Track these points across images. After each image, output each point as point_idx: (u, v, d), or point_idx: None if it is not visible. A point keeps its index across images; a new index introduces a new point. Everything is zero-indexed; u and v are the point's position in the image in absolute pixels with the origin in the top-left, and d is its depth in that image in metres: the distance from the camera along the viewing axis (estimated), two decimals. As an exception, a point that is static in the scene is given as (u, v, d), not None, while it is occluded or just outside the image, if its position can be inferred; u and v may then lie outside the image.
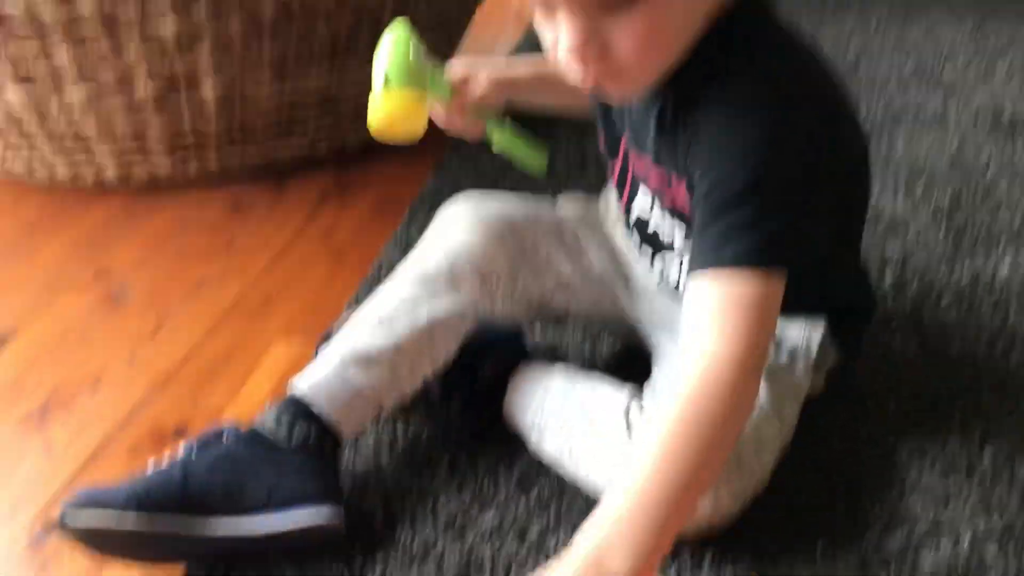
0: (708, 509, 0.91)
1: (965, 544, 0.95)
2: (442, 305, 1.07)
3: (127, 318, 1.41)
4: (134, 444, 1.15)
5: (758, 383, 0.85)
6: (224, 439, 0.97)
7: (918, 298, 1.34)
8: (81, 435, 1.17)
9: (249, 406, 1.20)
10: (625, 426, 0.97)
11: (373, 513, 1.01)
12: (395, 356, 1.03)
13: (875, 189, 1.62)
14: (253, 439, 0.97)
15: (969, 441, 1.08)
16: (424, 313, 1.06)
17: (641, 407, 0.98)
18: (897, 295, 1.34)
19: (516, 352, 1.14)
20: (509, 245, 1.13)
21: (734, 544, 0.95)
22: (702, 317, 0.85)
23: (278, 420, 0.99)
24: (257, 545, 0.94)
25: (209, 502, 0.92)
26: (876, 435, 1.10)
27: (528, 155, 1.15)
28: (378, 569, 0.94)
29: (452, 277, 1.09)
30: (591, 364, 1.22)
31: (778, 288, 0.85)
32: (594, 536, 0.77)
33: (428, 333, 1.05)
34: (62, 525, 0.89)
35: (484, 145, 1.19)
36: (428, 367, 1.06)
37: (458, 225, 1.13)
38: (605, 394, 1.02)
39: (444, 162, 1.75)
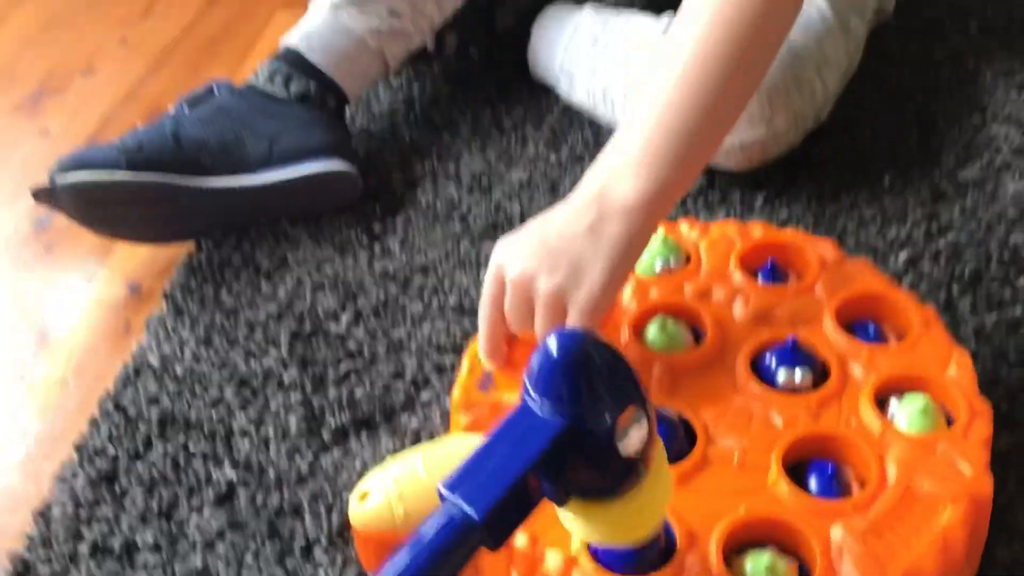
0: (761, 132, 0.80)
1: (1055, 169, 0.84)
2: None
3: (116, 0, 1.29)
4: (133, 124, 1.06)
5: None
6: (215, 93, 0.88)
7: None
8: (77, 118, 1.09)
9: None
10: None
11: (391, 174, 0.92)
12: None
13: None
14: (248, 92, 0.87)
15: (1063, 61, 0.94)
16: None
17: None
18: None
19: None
20: None
21: (791, 182, 0.86)
22: None
23: (271, 76, 0.88)
24: (263, 197, 0.85)
25: (204, 160, 0.84)
26: (955, 58, 0.96)
27: None
28: (400, 229, 0.87)
29: None
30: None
31: None
32: (602, 165, 0.63)
33: None
34: (51, 188, 0.82)
35: None
36: (433, 8, 0.93)
37: None
38: (641, 25, 0.88)
39: None
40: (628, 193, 0.60)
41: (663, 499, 0.49)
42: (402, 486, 0.58)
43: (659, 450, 0.47)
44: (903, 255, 0.78)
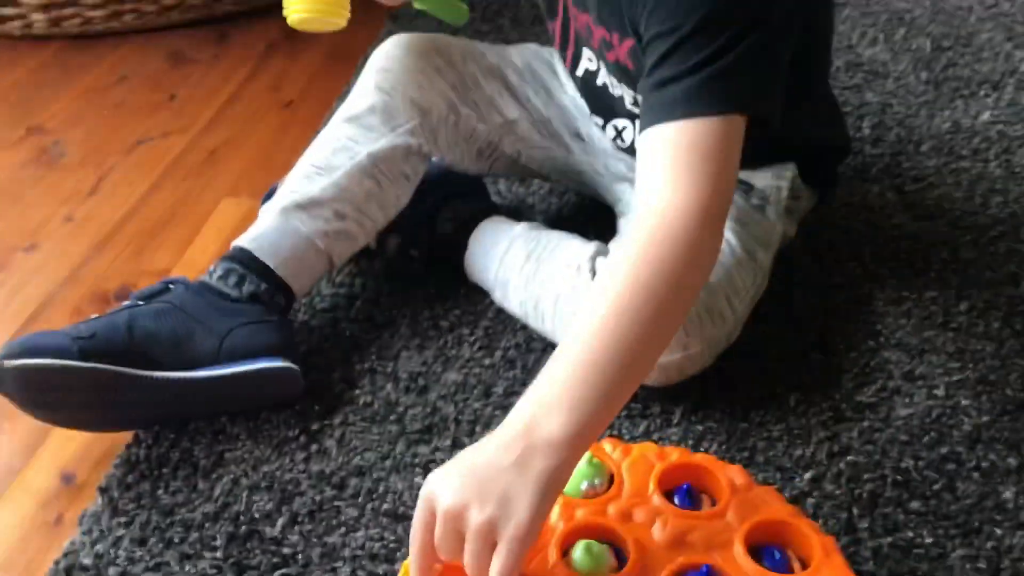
0: (678, 356, 0.87)
1: (940, 394, 0.93)
2: (381, 143, 1.00)
3: (63, 176, 1.33)
4: (75, 306, 1.09)
5: (721, 233, 0.79)
6: (171, 289, 0.92)
7: (897, 145, 1.28)
8: (18, 297, 1.11)
9: (196, 266, 1.13)
10: (591, 275, 0.92)
11: (331, 371, 0.97)
12: (338, 197, 0.97)
13: (854, 36, 1.55)
14: (203, 289, 0.92)
15: (946, 292, 1.05)
16: (363, 152, 0.99)
17: (607, 257, 0.93)
18: (876, 143, 1.29)
19: (477, 205, 1.08)
20: (447, 77, 1.05)
21: (705, 398, 0.93)
22: (657, 168, 0.78)
23: (226, 275, 0.93)
24: (208, 390, 0.88)
25: (155, 355, 0.87)
26: (851, 285, 1.06)
27: (446, 9, 1.06)
28: (337, 429, 0.90)
29: (387, 113, 1.01)
30: (557, 221, 1.16)
31: (737, 131, 0.78)
32: (531, 399, 0.67)
33: (370, 172, 0.98)
34: None
35: None
36: (377, 211, 1.00)
37: (390, 61, 1.04)
38: (571, 247, 0.96)
39: (399, 11, 1.64)
40: (553, 429, 0.65)
41: None
42: None
43: None
44: (807, 475, 0.85)
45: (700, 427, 0.90)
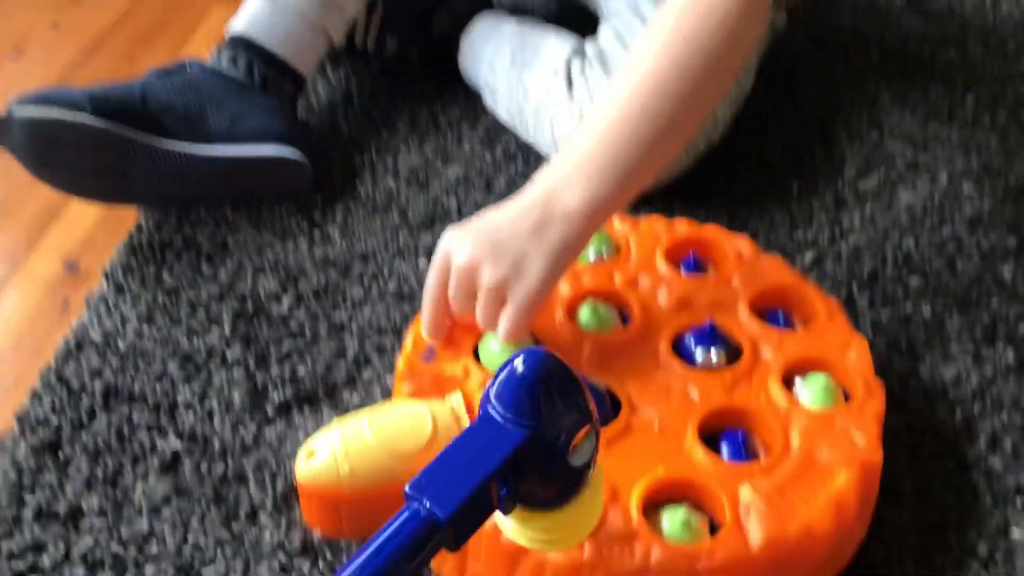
0: None
1: (943, 181, 0.92)
2: None
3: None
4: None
5: (766, 14, 0.75)
6: (187, 69, 0.90)
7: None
8: (4, 103, 1.08)
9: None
10: (566, 84, 0.89)
11: (331, 166, 0.96)
12: None
13: None
14: (217, 73, 0.90)
15: (951, 88, 1.04)
16: None
17: (584, 62, 0.90)
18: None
19: (474, 2, 1.05)
20: None
21: (707, 187, 0.92)
22: None
23: (233, 61, 0.91)
24: (217, 170, 0.87)
25: (167, 124, 0.85)
26: (857, 80, 1.05)
27: None
28: (339, 218, 0.90)
29: None
30: (558, 21, 1.13)
31: None
32: (552, 172, 0.67)
33: None
34: (6, 120, 0.81)
35: None
36: None
37: None
38: (551, 48, 0.93)
39: None
40: (572, 201, 0.65)
41: (597, 510, 0.52)
42: (348, 445, 0.62)
43: (598, 467, 0.50)
44: (809, 255, 0.85)
45: (702, 212, 0.90)
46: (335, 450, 0.62)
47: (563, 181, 0.66)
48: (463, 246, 0.65)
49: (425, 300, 0.67)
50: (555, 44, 0.94)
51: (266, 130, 0.88)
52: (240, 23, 0.92)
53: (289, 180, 0.91)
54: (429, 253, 0.86)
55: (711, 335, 0.69)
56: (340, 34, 0.97)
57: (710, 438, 0.64)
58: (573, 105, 0.88)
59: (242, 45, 0.91)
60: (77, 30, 1.19)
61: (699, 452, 0.62)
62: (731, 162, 0.95)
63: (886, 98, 1.02)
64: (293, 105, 0.94)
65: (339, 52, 1.06)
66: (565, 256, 0.65)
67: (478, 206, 0.91)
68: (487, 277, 0.64)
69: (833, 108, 1.01)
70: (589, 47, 0.91)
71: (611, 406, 0.65)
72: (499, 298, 0.65)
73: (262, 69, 0.90)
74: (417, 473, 0.58)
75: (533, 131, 0.94)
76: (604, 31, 0.94)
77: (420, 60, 1.06)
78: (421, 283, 0.82)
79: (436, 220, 0.90)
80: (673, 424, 0.64)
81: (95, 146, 0.83)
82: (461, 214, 0.91)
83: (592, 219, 0.66)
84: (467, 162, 0.97)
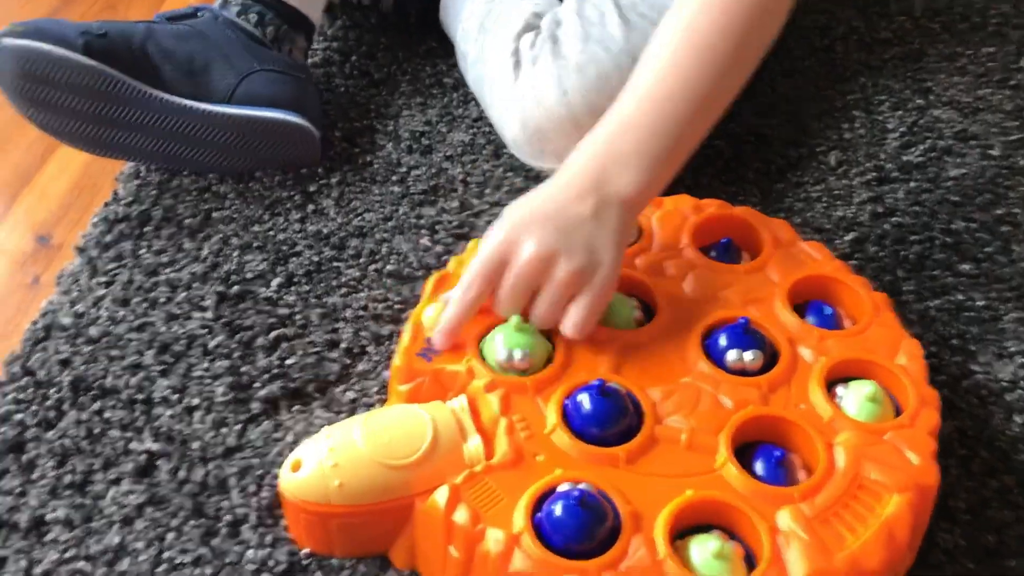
0: None
1: (996, 152, 0.84)
2: None
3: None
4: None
5: None
6: (199, 16, 0.81)
7: None
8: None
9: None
10: (513, 63, 0.81)
11: (328, 129, 0.88)
12: None
13: None
14: (230, 24, 0.81)
15: (1005, 47, 0.95)
16: None
17: (536, 37, 0.81)
18: None
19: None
20: None
21: (738, 157, 0.84)
22: None
23: (244, 11, 0.82)
24: (215, 129, 0.79)
25: (166, 75, 0.78)
26: (900, 39, 0.96)
27: None
28: (335, 189, 0.83)
29: None
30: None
31: None
32: (595, 148, 0.63)
33: None
34: None
35: None
36: None
37: None
38: (514, 13, 0.84)
39: None
40: (627, 185, 0.61)
41: None
42: (338, 456, 0.55)
43: None
44: (849, 236, 0.78)
45: (732, 188, 0.82)
46: (323, 461, 0.55)
47: (616, 164, 0.62)
48: (533, 236, 0.59)
49: (460, 295, 0.60)
50: (520, 8, 0.85)
51: (275, 94, 0.80)
52: None
53: (294, 150, 0.83)
54: (432, 228, 0.79)
55: (745, 334, 0.61)
56: None
57: (741, 452, 0.57)
58: (516, 90, 0.80)
59: None
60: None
61: (732, 471, 0.55)
62: (763, 131, 0.86)
63: (932, 60, 0.94)
64: (305, 65, 0.86)
65: (335, 1, 0.97)
66: (624, 241, 0.62)
67: (485, 175, 0.84)
68: (562, 269, 0.59)
69: (874, 69, 0.93)
70: (547, 18, 0.82)
71: (634, 413, 0.58)
72: (571, 291, 0.60)
73: (275, 22, 0.82)
74: (413, 489, 0.52)
75: (488, 107, 0.86)
76: None
77: (417, 15, 0.97)
78: (422, 263, 0.76)
79: (440, 192, 0.83)
80: (703, 437, 0.57)
81: (84, 86, 0.75)
82: (467, 184, 0.83)
83: (644, 202, 0.64)
84: (473, 127, 0.89)
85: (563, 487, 0.54)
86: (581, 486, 0.53)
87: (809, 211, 0.80)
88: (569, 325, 0.60)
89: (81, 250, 0.77)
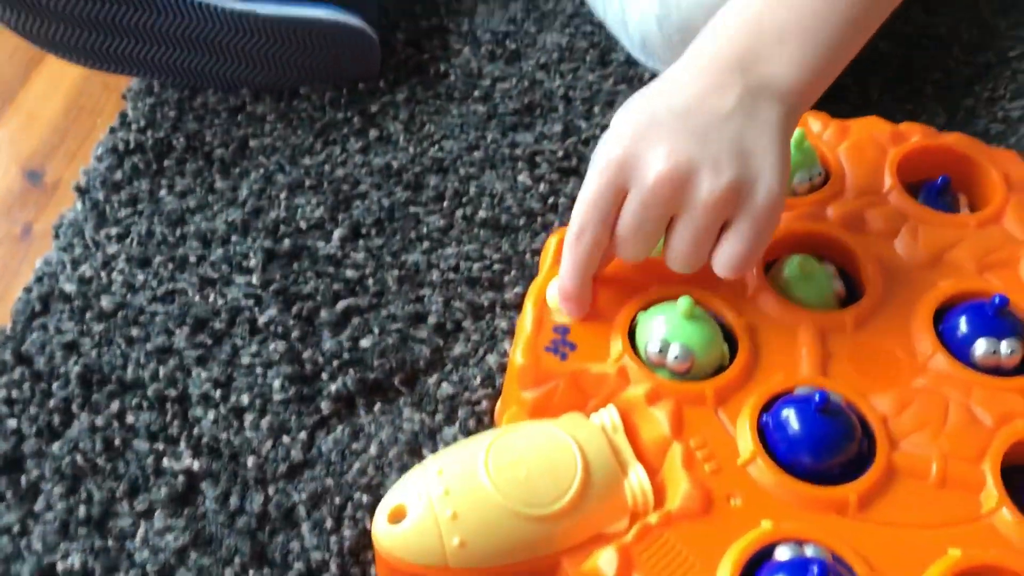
0: None
1: None
2: None
3: None
4: None
5: None
6: None
7: None
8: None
9: None
10: None
11: (391, 34, 0.69)
12: None
13: None
14: None
15: None
16: None
17: None
18: None
19: None
20: None
21: (910, 64, 0.67)
22: None
23: None
24: (240, 30, 0.61)
25: None
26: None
27: None
28: (401, 110, 0.65)
29: None
30: None
31: None
32: (739, 21, 0.46)
33: None
34: None
35: None
36: None
37: None
38: None
39: None
40: (787, 68, 0.44)
41: None
42: (457, 502, 0.40)
43: None
44: (1072, 169, 0.60)
45: (909, 105, 0.64)
46: (436, 509, 0.40)
47: (761, 43, 0.45)
48: (655, 143, 0.42)
49: (572, 241, 0.44)
50: None
51: None
52: None
53: (347, 59, 0.65)
54: (530, 160, 0.62)
55: (998, 317, 0.45)
56: None
57: (1008, 479, 0.41)
58: None
59: None
60: None
61: (1008, 518, 0.39)
62: (937, 31, 0.68)
63: None
64: None
65: None
66: (788, 145, 0.45)
67: (591, 89, 0.66)
68: (708, 186, 0.42)
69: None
70: None
71: (863, 435, 0.42)
72: (723, 215, 0.43)
73: None
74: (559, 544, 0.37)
75: (603, 6, 0.68)
76: None
77: None
78: (523, 207, 0.59)
79: (535, 111, 0.65)
80: (960, 467, 0.41)
81: None
82: (568, 101, 0.65)
83: (808, 100, 0.46)
84: (569, 25, 0.70)
85: (782, 552, 0.38)
86: (808, 550, 0.38)
87: (1013, 135, 0.62)
88: (723, 262, 0.43)
89: (83, 191, 0.60)
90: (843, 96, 0.64)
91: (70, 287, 0.55)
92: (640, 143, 0.43)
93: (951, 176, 0.52)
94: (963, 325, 0.45)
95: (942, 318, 0.46)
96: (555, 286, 0.46)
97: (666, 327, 0.44)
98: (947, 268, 0.48)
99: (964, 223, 0.50)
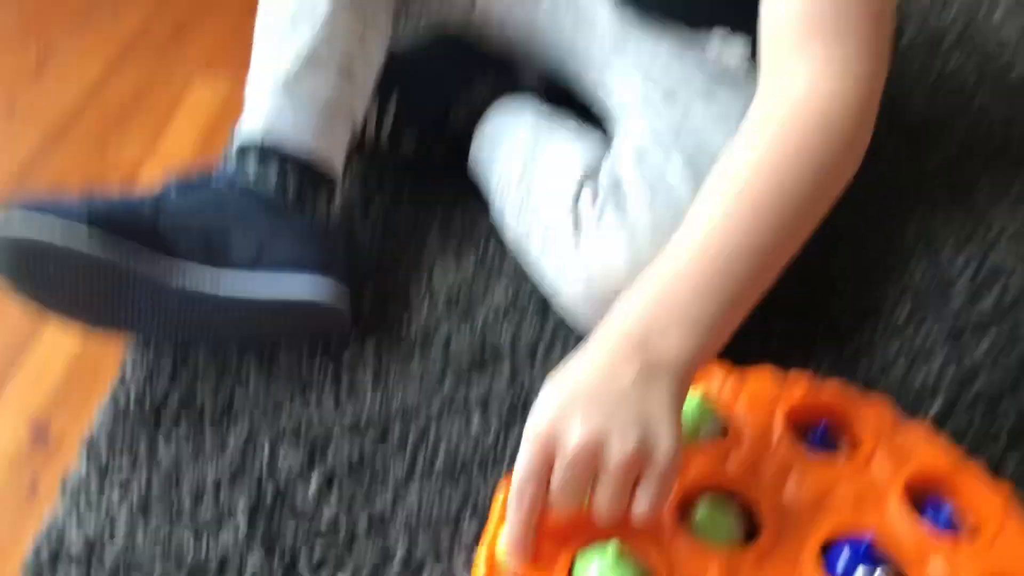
0: None
1: (1069, 299, 0.80)
2: None
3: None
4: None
5: (872, 125, 0.62)
6: (213, 183, 0.74)
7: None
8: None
9: (171, 156, 0.95)
10: (573, 225, 0.74)
11: (360, 292, 0.80)
12: (325, 49, 0.77)
13: None
14: (246, 191, 0.74)
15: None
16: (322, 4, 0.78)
17: (596, 193, 0.74)
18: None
19: (498, 84, 0.91)
20: None
21: (792, 311, 0.79)
22: (805, 25, 0.61)
23: (260, 173, 0.74)
24: (231, 312, 0.71)
25: (183, 244, 0.70)
26: (949, 168, 0.92)
27: None
28: (369, 360, 0.75)
29: None
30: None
31: None
32: (635, 311, 0.56)
33: (344, 19, 0.78)
34: None
35: None
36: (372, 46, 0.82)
37: None
38: (564, 160, 0.78)
39: None
40: (673, 350, 0.54)
41: None
42: None
43: None
44: (936, 405, 0.71)
45: (786, 347, 0.76)
46: None
47: (655, 325, 0.54)
48: (574, 422, 0.51)
49: (515, 506, 0.53)
50: (571, 155, 0.79)
51: (300, 259, 0.73)
52: (257, 122, 0.75)
53: (323, 325, 0.75)
54: (483, 406, 0.71)
55: (872, 549, 0.54)
56: (361, 113, 0.82)
57: None
58: (579, 252, 0.73)
59: (268, 153, 0.74)
60: (36, 112, 1.03)
61: None
62: (827, 278, 0.81)
63: (985, 191, 0.89)
64: (330, 222, 0.79)
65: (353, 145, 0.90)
66: (680, 410, 0.54)
67: (532, 340, 0.77)
68: (617, 452, 0.51)
69: (928, 205, 0.88)
70: (604, 174, 0.76)
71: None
72: (633, 475, 0.52)
73: (295, 182, 0.75)
74: None
75: (535, 270, 0.79)
76: (623, 147, 0.77)
77: (442, 158, 0.91)
78: (478, 448, 0.68)
79: (486, 363, 0.75)
80: None
81: (89, 274, 0.67)
82: (515, 350, 0.76)
83: (694, 371, 0.55)
84: (513, 280, 0.82)
85: None
86: None
87: (885, 375, 0.74)
88: (638, 510, 0.52)
89: (88, 449, 0.68)
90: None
91: (76, 541, 0.62)
92: (561, 418, 0.52)
93: (833, 418, 0.63)
94: (843, 558, 0.55)
95: (828, 550, 0.56)
96: (504, 538, 0.55)
97: (599, 573, 0.53)
98: (830, 508, 0.58)
99: (842, 468, 0.60)
